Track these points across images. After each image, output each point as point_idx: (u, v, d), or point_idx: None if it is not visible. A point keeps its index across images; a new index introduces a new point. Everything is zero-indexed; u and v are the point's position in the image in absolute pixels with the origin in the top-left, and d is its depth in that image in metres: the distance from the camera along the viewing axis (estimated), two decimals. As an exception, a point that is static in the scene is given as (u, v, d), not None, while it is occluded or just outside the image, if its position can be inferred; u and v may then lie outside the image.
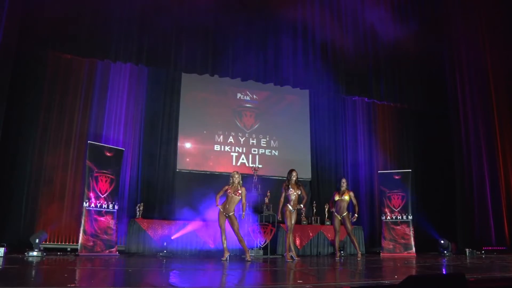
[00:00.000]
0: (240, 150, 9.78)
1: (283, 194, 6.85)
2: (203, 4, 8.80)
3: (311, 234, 8.74)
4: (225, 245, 6.50)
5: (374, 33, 10.17)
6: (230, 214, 6.47)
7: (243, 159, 9.73)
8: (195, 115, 9.45)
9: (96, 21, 7.97)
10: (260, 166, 9.63)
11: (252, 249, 7.77)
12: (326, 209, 9.05)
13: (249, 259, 6.45)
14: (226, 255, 6.42)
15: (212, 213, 8.15)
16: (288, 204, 6.74)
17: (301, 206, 7.05)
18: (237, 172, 6.75)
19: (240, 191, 6.54)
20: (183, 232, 7.78)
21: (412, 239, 8.61)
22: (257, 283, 4.16)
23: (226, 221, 6.53)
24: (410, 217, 8.72)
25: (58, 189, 7.91)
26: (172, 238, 7.69)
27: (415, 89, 10.80)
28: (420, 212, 9.70)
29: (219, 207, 6.52)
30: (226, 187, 6.62)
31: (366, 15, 9.85)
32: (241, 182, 6.67)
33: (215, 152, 9.54)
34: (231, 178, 6.64)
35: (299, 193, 6.81)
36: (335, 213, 7.34)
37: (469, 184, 9.60)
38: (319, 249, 8.73)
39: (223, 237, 6.51)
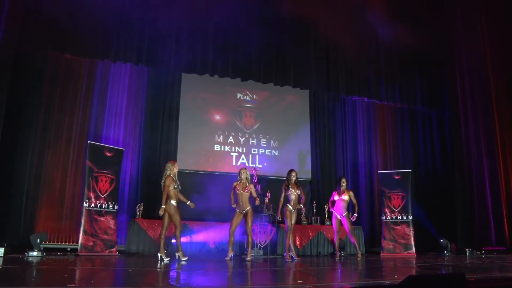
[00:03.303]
0: (240, 150, 9.77)
1: (283, 194, 6.87)
2: (203, 4, 8.81)
3: (311, 234, 8.74)
4: (231, 244, 6.50)
5: (374, 33, 10.17)
6: (247, 209, 6.48)
7: (243, 159, 9.73)
8: (195, 115, 9.45)
9: (96, 21, 7.98)
10: (260, 166, 9.63)
11: (252, 249, 7.76)
12: (326, 209, 9.05)
13: (249, 259, 6.45)
14: (230, 254, 6.43)
15: (212, 213, 8.16)
16: (288, 204, 6.76)
17: (301, 206, 7.06)
18: (245, 169, 6.78)
19: (248, 187, 6.57)
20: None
21: (412, 239, 8.62)
22: (257, 283, 4.16)
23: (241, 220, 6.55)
24: (410, 217, 8.72)
25: (58, 189, 7.90)
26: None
27: (415, 89, 10.81)
28: (420, 212, 9.70)
29: (234, 206, 6.55)
30: (235, 184, 6.65)
31: (366, 15, 9.85)
32: (249, 178, 6.72)
33: (215, 152, 9.54)
34: (239, 175, 6.67)
35: (299, 193, 6.83)
36: (335, 213, 7.34)
37: (469, 184, 9.60)
38: (319, 249, 8.73)
39: (231, 236, 6.51)
